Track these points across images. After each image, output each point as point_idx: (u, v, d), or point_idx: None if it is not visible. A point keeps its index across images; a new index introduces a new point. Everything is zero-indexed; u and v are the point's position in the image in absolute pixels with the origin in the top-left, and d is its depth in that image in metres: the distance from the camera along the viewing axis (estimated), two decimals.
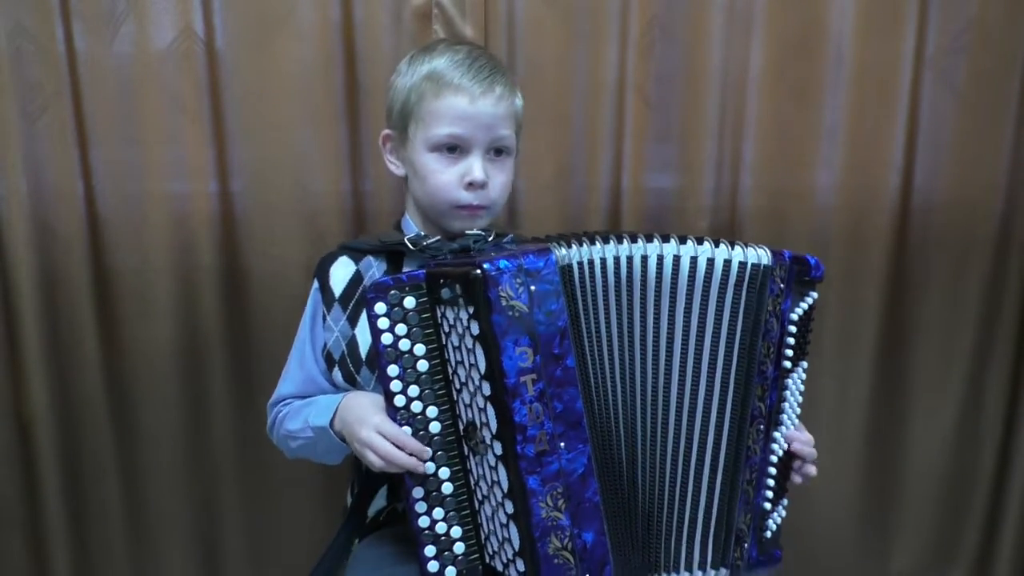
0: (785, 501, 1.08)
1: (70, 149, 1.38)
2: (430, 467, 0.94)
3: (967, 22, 1.49)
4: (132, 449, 1.53)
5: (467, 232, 1.08)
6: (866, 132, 1.52)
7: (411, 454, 0.93)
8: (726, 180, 1.54)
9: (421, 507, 0.95)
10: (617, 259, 0.94)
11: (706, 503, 0.99)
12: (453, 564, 0.95)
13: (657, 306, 0.95)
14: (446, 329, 0.92)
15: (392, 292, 0.93)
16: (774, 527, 1.06)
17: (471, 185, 1.07)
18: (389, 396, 0.94)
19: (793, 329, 1.02)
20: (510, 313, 0.86)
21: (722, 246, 0.96)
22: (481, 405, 0.89)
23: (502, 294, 0.86)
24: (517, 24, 1.43)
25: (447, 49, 1.10)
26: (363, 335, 1.09)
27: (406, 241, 1.09)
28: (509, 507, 0.89)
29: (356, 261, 1.12)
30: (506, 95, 1.08)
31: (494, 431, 0.89)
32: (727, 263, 0.96)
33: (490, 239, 1.07)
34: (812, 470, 1.08)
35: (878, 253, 1.58)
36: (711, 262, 0.96)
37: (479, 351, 0.87)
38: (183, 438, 1.53)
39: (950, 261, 1.61)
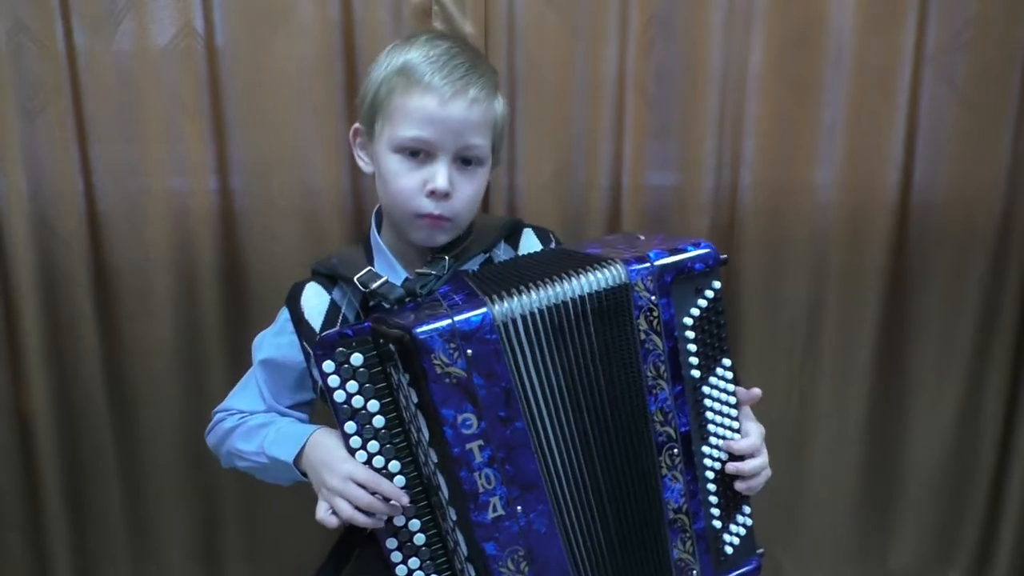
0: (747, 508, 1.01)
1: (70, 146, 1.38)
2: (399, 520, 0.92)
3: (967, 19, 1.49)
4: (132, 448, 1.52)
5: (418, 271, 1.00)
6: (866, 129, 1.52)
7: (389, 498, 0.90)
8: (726, 177, 1.53)
9: (397, 557, 0.93)
10: (549, 308, 0.87)
11: (646, 545, 0.95)
12: None
13: (572, 351, 0.89)
14: (395, 384, 0.89)
15: (339, 350, 0.88)
16: (736, 541, 1.00)
17: (433, 193, 0.98)
18: (351, 452, 0.91)
19: (691, 335, 0.92)
20: (447, 380, 0.81)
21: (574, 280, 0.87)
22: (433, 470, 0.87)
23: (436, 362, 0.81)
24: (517, 21, 1.42)
25: (426, 43, 1.01)
26: None
27: (355, 281, 0.99)
28: (471, 571, 0.88)
29: (328, 289, 1.06)
30: (481, 99, 0.98)
31: (447, 497, 0.87)
32: (584, 298, 0.87)
33: (442, 276, 0.98)
34: (757, 483, 0.99)
35: (877, 250, 1.58)
36: (598, 295, 0.88)
37: (421, 419, 0.85)
38: (183, 437, 1.52)
39: (950, 258, 1.61)
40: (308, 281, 1.08)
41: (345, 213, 1.46)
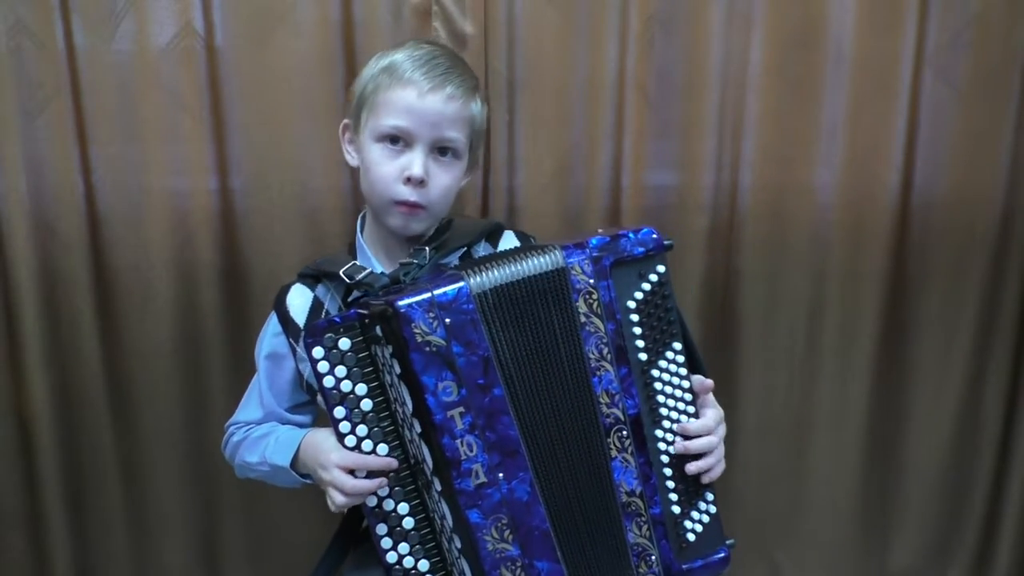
0: (710, 496, 1.00)
1: (70, 146, 1.38)
2: (389, 504, 0.94)
3: (967, 19, 1.49)
4: (132, 448, 1.52)
5: (401, 262, 1.04)
6: (866, 129, 1.52)
7: (379, 471, 0.93)
8: (726, 177, 1.53)
9: (387, 543, 0.95)
10: (522, 282, 0.90)
11: (604, 523, 0.95)
12: None
13: (537, 325, 0.92)
14: (380, 366, 0.92)
15: (327, 335, 0.91)
16: (699, 528, 0.99)
17: (409, 180, 1.05)
18: (340, 437, 0.94)
19: (635, 318, 0.94)
20: (427, 349, 0.85)
21: (524, 263, 0.91)
22: (417, 441, 0.89)
23: (416, 331, 0.85)
24: (517, 21, 1.42)
25: (411, 46, 1.10)
26: None
27: (341, 274, 1.03)
28: (458, 542, 0.90)
29: (311, 288, 1.11)
30: (458, 96, 1.06)
31: (431, 468, 0.89)
32: (537, 276, 0.91)
33: (424, 265, 1.02)
34: (708, 463, 0.98)
35: (877, 250, 1.58)
36: (533, 279, 0.91)
37: (404, 390, 0.87)
38: (183, 437, 1.52)
39: (950, 259, 1.61)
40: (293, 283, 1.13)
41: (345, 213, 1.46)
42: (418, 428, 0.88)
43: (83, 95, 1.37)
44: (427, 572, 0.95)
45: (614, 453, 0.94)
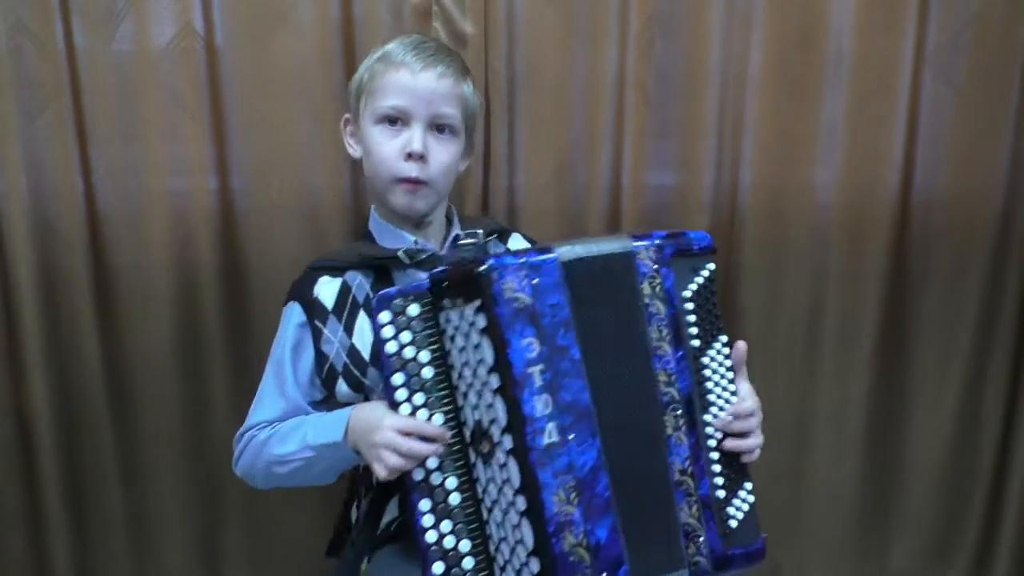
0: (749, 485, 1.02)
1: (70, 146, 1.38)
2: (437, 477, 0.94)
3: (967, 19, 1.49)
4: (132, 448, 1.52)
5: (461, 243, 1.07)
6: (866, 129, 1.52)
7: (432, 439, 0.93)
8: (726, 177, 1.54)
9: (428, 520, 0.94)
10: (606, 256, 0.94)
11: (657, 499, 0.96)
12: None
13: (603, 304, 0.95)
14: (450, 333, 0.93)
15: (396, 301, 0.95)
16: (740, 515, 1.01)
17: (410, 156, 1.09)
18: (394, 405, 0.95)
19: (690, 306, 1.00)
20: (515, 304, 0.87)
21: (578, 245, 0.94)
22: (489, 401, 0.89)
23: (505, 287, 0.87)
24: (517, 21, 1.43)
25: (403, 36, 1.16)
26: (361, 340, 1.10)
27: (401, 255, 1.10)
28: (521, 503, 0.88)
29: (338, 276, 1.13)
30: (449, 75, 1.11)
31: (504, 425, 0.89)
32: (606, 256, 0.95)
33: (481, 244, 1.06)
34: (749, 444, 1.02)
35: (877, 250, 1.58)
36: (605, 257, 0.94)
37: (486, 344, 0.88)
38: (183, 437, 1.52)
39: (949, 258, 1.61)
40: (312, 275, 1.13)
41: (345, 213, 1.46)
42: (495, 384, 0.88)
43: (83, 95, 1.37)
44: (467, 553, 0.94)
45: (669, 431, 0.96)
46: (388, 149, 1.11)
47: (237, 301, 1.48)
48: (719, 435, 1.00)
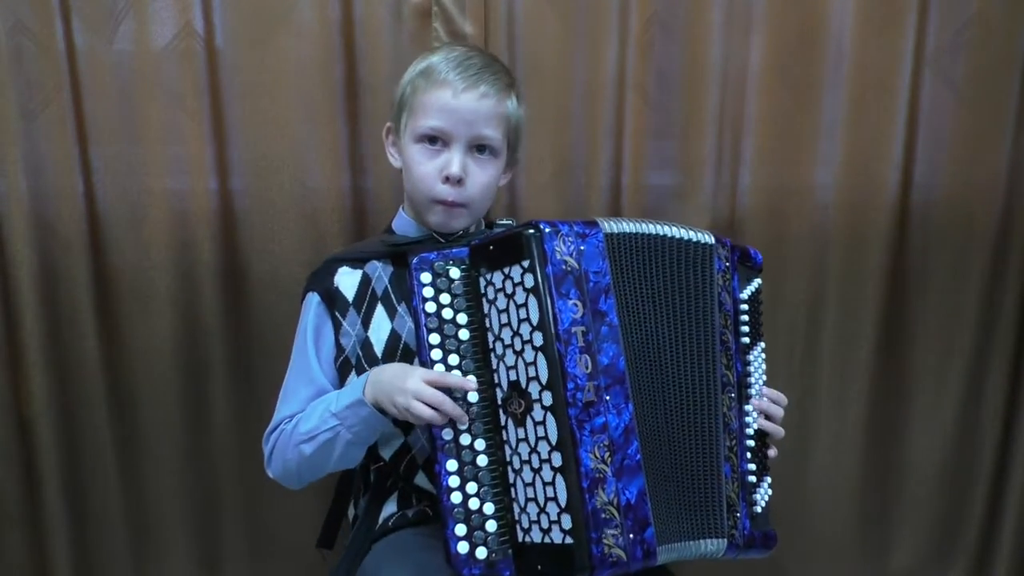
0: (768, 479, 1.09)
1: (70, 147, 1.38)
2: (466, 438, 0.96)
3: (967, 19, 1.49)
4: (132, 448, 1.52)
5: (497, 222, 1.14)
6: (866, 129, 1.52)
7: (459, 390, 0.95)
8: (726, 177, 1.54)
9: (454, 482, 0.95)
10: (645, 235, 1.00)
11: (704, 470, 1.00)
12: (484, 544, 0.94)
13: (658, 278, 1.00)
14: (491, 296, 0.96)
15: (437, 263, 0.99)
16: (763, 503, 1.07)
17: (448, 179, 1.09)
18: (428, 365, 0.97)
19: (745, 307, 1.09)
20: (564, 266, 0.92)
21: (681, 229, 1.03)
22: (531, 359, 0.92)
23: (557, 248, 0.92)
24: (517, 21, 1.43)
25: (446, 48, 1.15)
26: (376, 335, 1.10)
27: (435, 236, 1.13)
28: (557, 460, 0.90)
29: (358, 268, 1.13)
30: (491, 94, 1.09)
31: (544, 382, 0.91)
32: (690, 243, 1.02)
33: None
34: (777, 431, 1.11)
35: (877, 250, 1.58)
36: (682, 241, 1.02)
37: (532, 303, 0.91)
38: (183, 437, 1.52)
39: (949, 258, 1.61)
40: (331, 268, 1.14)
41: (345, 213, 1.46)
42: (539, 341, 0.91)
43: (83, 95, 1.37)
44: (491, 516, 0.95)
45: (724, 409, 1.03)
46: (427, 170, 1.10)
47: (237, 301, 1.48)
48: (755, 427, 1.08)
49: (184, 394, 1.50)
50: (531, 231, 0.92)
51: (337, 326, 1.11)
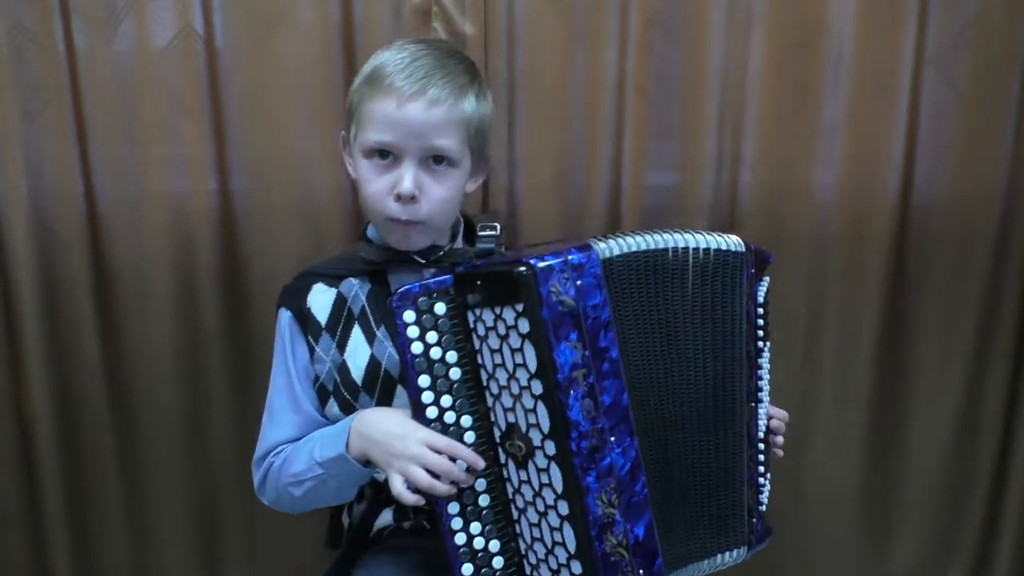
0: (769, 475, 1.10)
1: (70, 147, 1.38)
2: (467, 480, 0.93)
3: (968, 20, 1.49)
4: (132, 448, 1.52)
5: (481, 235, 1.03)
6: (866, 130, 1.52)
7: (467, 467, 0.90)
8: (726, 178, 1.53)
9: (457, 523, 0.92)
10: (647, 252, 0.92)
11: (729, 485, 1.00)
12: None
13: (670, 297, 0.94)
14: (481, 332, 0.90)
15: (420, 299, 0.91)
16: (765, 503, 1.08)
17: (400, 198, 0.99)
18: (420, 408, 0.92)
19: (761, 311, 1.06)
20: (560, 308, 0.84)
21: (708, 236, 0.97)
22: (530, 406, 0.87)
23: (552, 289, 0.84)
24: (517, 21, 1.42)
25: (396, 47, 1.03)
26: (353, 360, 1.05)
27: (415, 257, 1.04)
28: (563, 508, 0.87)
29: (334, 285, 1.07)
30: (442, 99, 0.98)
31: (546, 431, 0.87)
32: (719, 252, 0.97)
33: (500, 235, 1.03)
34: (780, 440, 1.14)
35: (878, 251, 1.57)
36: (707, 251, 0.96)
37: (528, 349, 0.86)
38: (183, 437, 1.52)
39: (950, 259, 1.61)
40: (305, 283, 1.09)
41: (345, 213, 1.46)
42: (538, 389, 0.86)
43: (83, 95, 1.37)
44: (497, 552, 0.93)
45: (748, 418, 1.02)
46: (377, 187, 1.00)
47: (237, 302, 1.48)
48: (764, 431, 1.07)
49: (184, 394, 1.50)
50: (523, 270, 0.83)
51: (311, 350, 1.05)
